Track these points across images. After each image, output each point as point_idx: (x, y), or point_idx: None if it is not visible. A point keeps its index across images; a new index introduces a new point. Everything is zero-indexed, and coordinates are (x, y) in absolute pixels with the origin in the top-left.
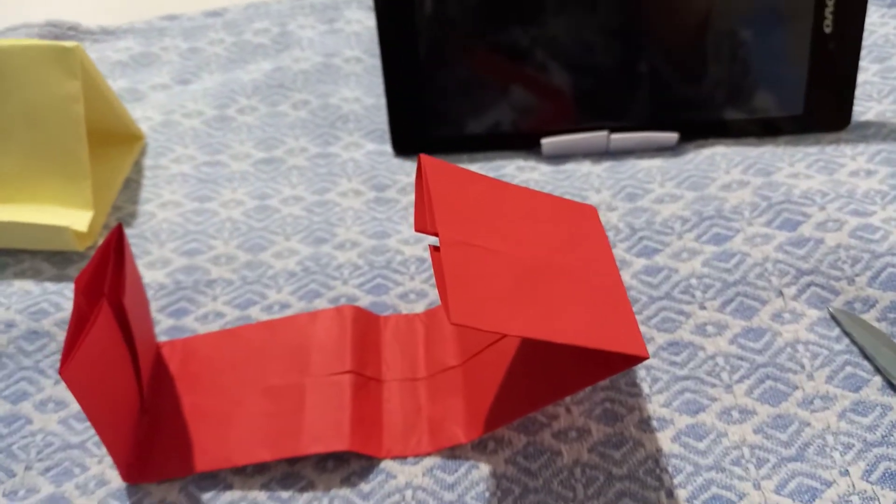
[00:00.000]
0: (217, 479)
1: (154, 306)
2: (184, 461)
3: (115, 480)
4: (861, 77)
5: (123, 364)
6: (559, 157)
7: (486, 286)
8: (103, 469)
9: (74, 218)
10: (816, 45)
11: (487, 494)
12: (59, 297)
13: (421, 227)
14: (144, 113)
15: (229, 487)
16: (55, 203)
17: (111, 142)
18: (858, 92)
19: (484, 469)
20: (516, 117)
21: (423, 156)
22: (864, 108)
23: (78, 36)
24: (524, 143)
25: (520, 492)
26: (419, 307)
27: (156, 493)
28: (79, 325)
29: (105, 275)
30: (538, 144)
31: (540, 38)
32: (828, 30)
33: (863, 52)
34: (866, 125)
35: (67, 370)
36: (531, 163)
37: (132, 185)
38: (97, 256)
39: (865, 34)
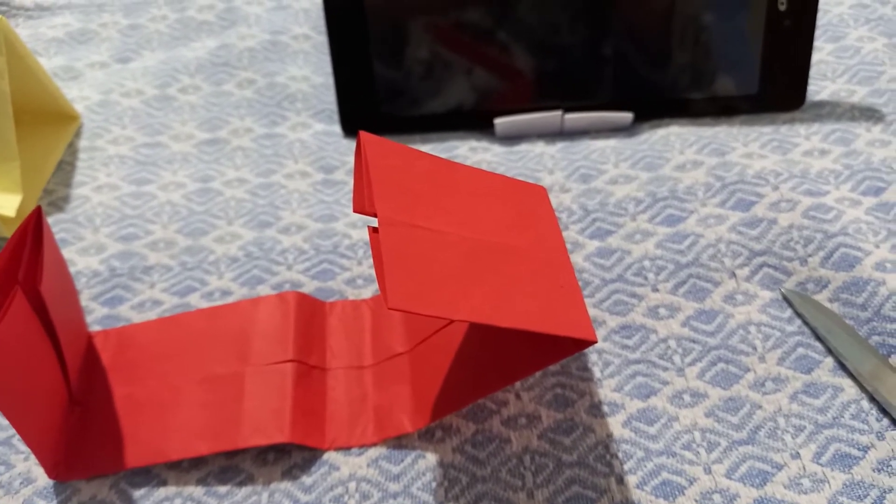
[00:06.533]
0: (150, 475)
1: (87, 294)
2: (116, 456)
3: (42, 478)
4: (816, 56)
5: (44, 354)
6: (512, 138)
7: (427, 269)
8: (29, 466)
9: (1, 202)
10: (771, 23)
11: (434, 485)
12: None
13: (359, 207)
14: (81, 92)
15: (163, 483)
16: None
17: (43, 122)
18: (813, 71)
19: (431, 458)
20: (469, 97)
21: (362, 132)
22: (819, 87)
23: (10, 12)
24: (477, 123)
25: (467, 481)
26: (366, 293)
27: (85, 491)
28: None
29: (20, 261)
30: (491, 124)
31: (495, 15)
32: (782, 7)
33: (817, 32)
34: (821, 105)
35: None
36: (484, 143)
37: (66, 168)
38: (12, 242)
39: (820, 14)
